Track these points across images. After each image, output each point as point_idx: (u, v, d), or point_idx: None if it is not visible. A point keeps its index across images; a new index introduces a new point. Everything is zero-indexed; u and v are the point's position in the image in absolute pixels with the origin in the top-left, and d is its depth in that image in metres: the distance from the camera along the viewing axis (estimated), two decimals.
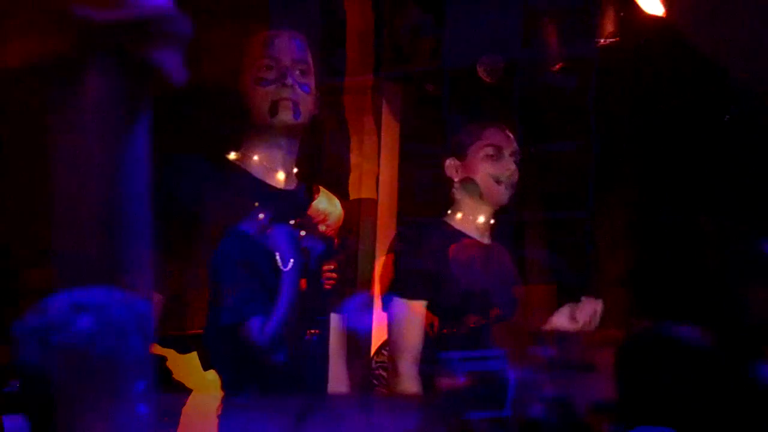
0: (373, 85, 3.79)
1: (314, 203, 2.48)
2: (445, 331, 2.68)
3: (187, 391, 2.20)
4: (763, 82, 3.19)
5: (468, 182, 2.80)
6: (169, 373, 2.20)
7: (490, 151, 2.78)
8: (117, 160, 1.25)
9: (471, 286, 2.71)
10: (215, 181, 2.34)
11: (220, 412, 2.22)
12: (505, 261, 2.87)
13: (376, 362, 3.30)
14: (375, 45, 3.73)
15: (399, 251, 2.80)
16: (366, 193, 3.76)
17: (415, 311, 2.67)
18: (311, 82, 2.41)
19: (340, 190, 3.47)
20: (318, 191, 2.52)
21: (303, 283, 2.35)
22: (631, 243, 3.52)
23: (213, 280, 2.27)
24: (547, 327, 2.75)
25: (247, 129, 2.41)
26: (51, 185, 1.25)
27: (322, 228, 2.48)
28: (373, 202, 3.76)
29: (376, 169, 3.78)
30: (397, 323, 2.71)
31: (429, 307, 2.69)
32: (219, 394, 2.24)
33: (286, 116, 2.35)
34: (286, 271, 2.29)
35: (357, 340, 3.42)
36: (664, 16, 3.29)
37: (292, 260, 2.30)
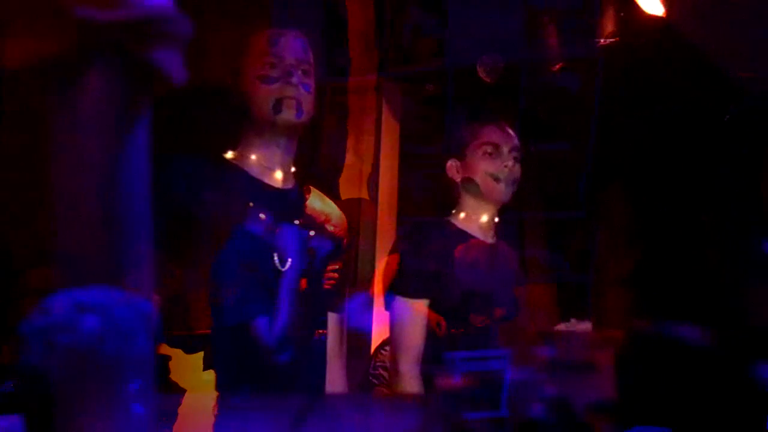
0: (375, 85, 3.79)
1: (308, 203, 2.48)
2: (453, 330, 2.69)
3: (190, 391, 2.21)
4: (763, 82, 3.19)
5: (468, 182, 2.81)
6: (173, 373, 2.20)
7: (488, 149, 2.78)
8: (117, 160, 1.25)
9: (474, 286, 2.71)
10: (213, 181, 2.34)
11: (219, 412, 2.22)
12: (508, 260, 2.87)
13: (376, 362, 3.30)
14: (377, 45, 3.73)
15: (401, 250, 2.80)
16: (366, 193, 3.76)
17: (416, 310, 2.67)
18: (312, 82, 2.42)
19: (332, 190, 3.47)
20: (309, 191, 2.52)
21: (303, 283, 2.35)
22: (631, 243, 3.52)
23: (217, 280, 2.27)
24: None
25: (246, 127, 2.40)
26: (52, 185, 1.25)
27: (330, 228, 2.48)
28: (373, 202, 3.76)
29: (376, 169, 3.79)
30: (399, 322, 2.71)
31: (434, 307, 2.69)
32: (216, 394, 2.24)
33: (289, 115, 2.35)
34: (285, 271, 2.30)
35: (357, 339, 3.42)
36: (664, 16, 3.29)
37: (290, 260, 2.31)
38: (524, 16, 3.56)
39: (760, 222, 3.01)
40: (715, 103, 3.39)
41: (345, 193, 3.73)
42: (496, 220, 2.83)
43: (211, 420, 2.17)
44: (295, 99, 2.34)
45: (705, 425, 1.94)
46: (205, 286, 2.27)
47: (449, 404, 2.48)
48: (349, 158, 3.77)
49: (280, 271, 2.29)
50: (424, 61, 3.80)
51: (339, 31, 3.69)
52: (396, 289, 2.73)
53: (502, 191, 2.78)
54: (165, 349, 2.20)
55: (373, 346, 3.38)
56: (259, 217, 2.30)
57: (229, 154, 2.41)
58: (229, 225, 2.29)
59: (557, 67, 3.67)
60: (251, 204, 2.31)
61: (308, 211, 2.45)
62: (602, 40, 3.53)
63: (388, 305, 2.75)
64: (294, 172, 2.48)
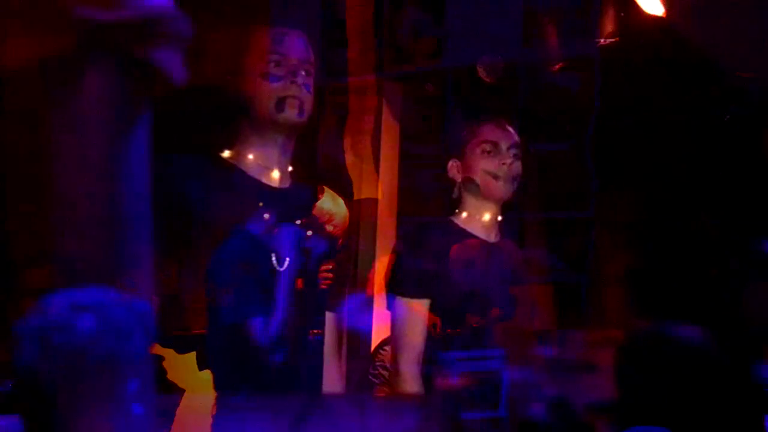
0: (374, 85, 3.79)
1: (319, 203, 2.48)
2: (448, 331, 2.68)
3: (185, 391, 2.20)
4: (763, 81, 3.19)
5: (469, 182, 2.81)
6: (167, 373, 2.20)
7: (486, 147, 2.78)
8: (117, 160, 1.25)
9: (470, 286, 2.71)
10: (210, 180, 2.33)
11: (216, 412, 2.21)
12: (508, 260, 2.86)
13: (376, 361, 3.30)
14: (375, 45, 3.72)
15: (400, 251, 2.80)
16: (366, 193, 3.76)
17: (416, 311, 2.67)
18: (312, 83, 2.42)
19: (344, 190, 3.47)
20: (323, 191, 2.52)
21: (299, 282, 2.34)
22: (631, 243, 3.52)
23: (213, 280, 2.26)
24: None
25: (243, 126, 2.39)
26: (51, 185, 1.24)
27: (329, 228, 2.48)
28: (373, 202, 3.76)
29: (376, 169, 3.78)
30: (399, 323, 2.71)
31: (431, 307, 2.69)
32: (214, 394, 2.24)
33: (291, 114, 2.34)
34: (282, 271, 2.29)
35: (357, 339, 3.42)
36: (664, 16, 3.29)
37: (288, 259, 2.30)
38: (523, 15, 3.56)
39: (760, 222, 3.01)
40: (715, 103, 3.39)
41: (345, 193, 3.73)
42: (499, 218, 2.82)
43: (208, 420, 2.17)
44: (298, 98, 2.34)
45: (704, 425, 1.94)
46: (202, 286, 2.27)
47: (448, 404, 2.48)
48: (349, 158, 3.77)
49: (276, 271, 2.29)
50: (423, 61, 3.79)
51: (338, 31, 3.68)
52: (396, 289, 2.72)
53: (502, 189, 2.78)
54: (158, 349, 2.19)
55: (373, 346, 3.38)
56: (257, 217, 2.30)
57: (226, 153, 2.40)
58: (226, 224, 2.28)
59: (557, 67, 3.67)
60: (249, 204, 2.31)
61: (315, 211, 2.45)
62: (602, 40, 3.52)
63: (389, 305, 2.75)
64: (294, 172, 2.48)
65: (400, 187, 3.84)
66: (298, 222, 2.37)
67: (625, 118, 3.55)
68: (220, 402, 2.22)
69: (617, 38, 3.51)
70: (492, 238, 2.82)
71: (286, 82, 2.34)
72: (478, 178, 2.78)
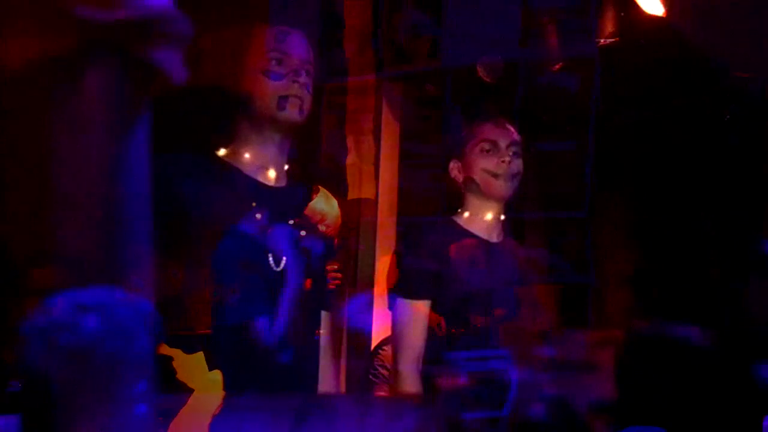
0: (374, 85, 3.79)
1: (312, 203, 2.47)
2: (453, 330, 2.68)
3: (192, 391, 2.20)
4: (763, 81, 3.19)
5: (470, 181, 2.81)
6: (174, 373, 2.20)
7: (485, 146, 2.78)
8: (118, 160, 1.25)
9: (473, 286, 2.71)
10: (206, 179, 2.32)
11: (221, 412, 2.22)
12: (511, 260, 2.86)
13: (377, 361, 3.30)
14: (375, 45, 3.73)
15: (402, 251, 2.81)
16: (366, 193, 3.76)
17: (417, 311, 2.67)
18: (311, 83, 2.41)
19: (339, 190, 3.47)
20: (317, 191, 2.51)
21: (308, 283, 2.34)
22: (631, 243, 3.52)
23: (215, 280, 2.26)
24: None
25: (240, 124, 2.38)
26: (53, 185, 1.25)
27: (321, 228, 2.48)
28: (373, 202, 3.77)
29: (376, 169, 3.79)
30: (400, 323, 2.71)
31: (434, 307, 2.69)
32: (222, 394, 2.24)
33: (292, 113, 2.34)
34: (284, 271, 2.29)
35: (357, 339, 3.42)
36: (664, 16, 3.29)
37: (284, 259, 2.30)
38: (523, 15, 3.57)
39: (760, 222, 3.01)
40: (714, 102, 3.39)
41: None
42: (502, 218, 2.82)
43: (208, 420, 2.17)
44: (299, 98, 2.34)
45: (704, 425, 1.94)
46: (205, 286, 2.27)
47: (450, 404, 2.48)
48: (349, 158, 3.78)
49: (277, 271, 2.29)
50: (422, 61, 3.80)
51: (338, 32, 3.69)
52: (397, 289, 2.73)
53: (501, 187, 2.78)
54: (165, 350, 2.20)
55: (373, 346, 3.38)
56: (254, 217, 2.30)
57: (222, 152, 2.39)
58: (224, 224, 2.28)
59: (556, 66, 3.67)
60: (246, 203, 2.30)
61: (307, 211, 2.44)
62: (602, 40, 3.53)
63: (391, 305, 2.75)
64: (292, 172, 2.47)
65: (400, 187, 3.85)
66: (291, 222, 2.36)
67: (624, 117, 3.55)
68: (228, 402, 2.21)
69: (617, 38, 3.51)
70: (494, 237, 2.81)
71: (288, 81, 2.34)
72: (478, 177, 2.78)
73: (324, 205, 2.53)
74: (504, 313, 2.73)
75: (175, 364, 2.19)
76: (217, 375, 2.21)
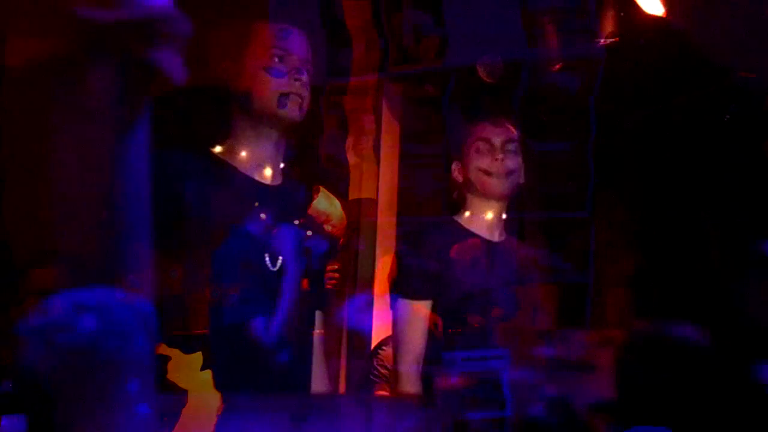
0: (375, 85, 3.79)
1: (314, 203, 2.47)
2: (450, 330, 2.69)
3: (191, 392, 2.20)
4: (764, 81, 3.19)
5: (468, 181, 2.81)
6: (171, 373, 2.20)
7: (480, 145, 2.79)
8: (118, 160, 1.25)
9: (471, 285, 2.71)
10: (201, 178, 2.30)
11: (221, 412, 2.21)
12: (512, 259, 2.86)
13: (377, 360, 3.30)
14: (382, 45, 3.73)
15: (403, 251, 2.81)
16: (366, 193, 3.76)
17: (416, 311, 2.68)
18: (309, 83, 2.41)
19: (339, 190, 3.47)
20: (318, 191, 2.51)
21: (305, 283, 2.34)
22: (631, 243, 3.52)
23: (213, 279, 2.26)
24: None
25: (237, 120, 2.36)
26: (53, 184, 1.25)
27: (327, 228, 2.48)
28: (373, 202, 3.76)
29: (376, 169, 3.79)
30: (400, 323, 2.71)
31: (433, 307, 2.69)
32: (219, 393, 2.24)
33: (293, 111, 2.34)
34: (281, 271, 2.29)
35: (357, 339, 3.42)
36: (664, 16, 3.29)
37: (281, 259, 2.29)
38: (524, 15, 3.56)
39: (761, 222, 3.01)
40: (714, 102, 3.39)
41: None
42: (504, 216, 2.82)
43: (210, 420, 2.17)
44: (300, 96, 2.34)
45: (705, 425, 1.94)
46: (203, 286, 2.26)
47: (450, 404, 2.48)
48: (350, 158, 3.77)
49: (273, 271, 2.28)
50: (424, 61, 3.79)
51: (339, 31, 3.69)
52: (397, 289, 2.73)
53: (496, 185, 2.78)
54: (164, 350, 2.19)
55: (373, 346, 3.38)
56: (252, 216, 2.29)
57: (217, 149, 2.37)
58: (219, 223, 2.27)
59: (557, 67, 3.67)
60: (241, 201, 2.29)
61: (310, 211, 2.44)
62: (602, 40, 3.53)
63: (392, 305, 2.75)
64: (287, 170, 2.46)
65: (400, 187, 3.84)
66: (296, 222, 2.36)
67: (624, 117, 3.55)
68: (227, 402, 2.21)
69: (618, 38, 3.51)
70: (496, 237, 2.81)
71: (289, 79, 2.33)
72: (473, 176, 2.78)
73: (326, 205, 2.54)
74: (502, 312, 2.73)
75: (173, 364, 2.18)
76: (207, 374, 2.21)
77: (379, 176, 3.79)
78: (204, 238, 2.25)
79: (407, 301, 2.69)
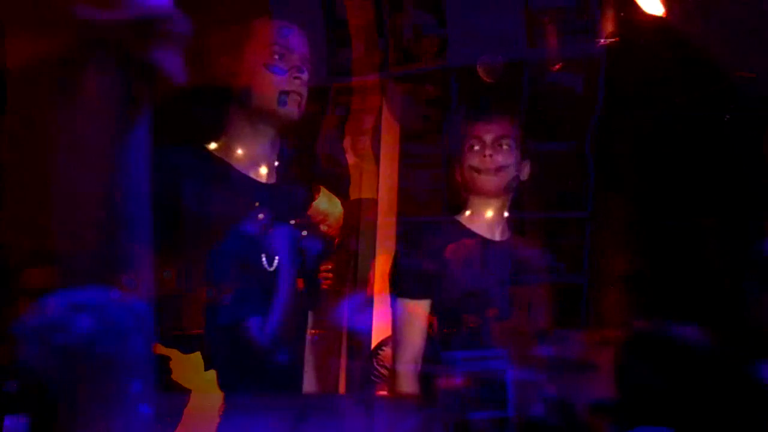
0: (375, 85, 3.79)
1: (315, 203, 2.47)
2: (445, 330, 2.69)
3: (189, 391, 2.20)
4: (763, 81, 3.19)
5: (464, 181, 2.81)
6: (171, 373, 2.19)
7: (472, 144, 2.80)
8: (117, 160, 1.25)
9: (467, 285, 2.71)
10: (197, 176, 2.29)
11: (221, 412, 2.21)
12: (512, 258, 2.86)
13: (377, 360, 3.30)
14: (382, 45, 3.72)
15: (400, 251, 2.81)
16: (366, 193, 3.76)
17: (415, 311, 2.67)
18: (307, 82, 2.41)
19: (341, 190, 3.47)
20: (319, 191, 2.51)
21: (300, 282, 2.34)
22: (630, 243, 3.52)
23: (209, 279, 2.25)
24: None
25: (234, 117, 2.35)
26: (52, 184, 1.25)
27: (323, 228, 2.47)
28: (373, 202, 3.76)
29: (376, 169, 3.78)
30: (399, 323, 2.71)
31: (431, 307, 2.69)
32: (220, 394, 2.23)
33: (292, 109, 2.33)
34: (277, 270, 2.28)
35: (356, 339, 3.41)
36: (664, 16, 3.29)
37: (278, 259, 2.29)
38: (525, 15, 3.56)
39: (760, 222, 3.01)
40: (715, 102, 3.39)
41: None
42: (506, 215, 2.82)
43: (209, 420, 2.17)
44: (299, 95, 2.33)
45: (706, 425, 1.94)
46: (199, 285, 2.26)
47: (449, 404, 2.48)
48: (350, 158, 3.77)
49: (270, 271, 2.28)
50: (425, 61, 3.79)
51: (339, 31, 3.68)
52: (395, 289, 2.73)
53: (485, 181, 2.77)
54: (162, 350, 2.19)
55: (373, 346, 3.38)
56: (248, 215, 2.28)
57: (213, 146, 2.36)
58: (218, 221, 2.26)
59: (557, 66, 3.67)
60: (237, 200, 2.29)
61: (310, 211, 2.44)
62: (602, 40, 3.52)
63: (391, 305, 2.75)
64: (281, 169, 2.46)
65: (400, 187, 3.84)
66: (292, 222, 2.35)
67: (625, 117, 3.55)
68: (226, 402, 2.21)
69: (618, 38, 3.51)
70: (497, 236, 2.81)
71: (289, 77, 2.33)
72: (466, 175, 2.79)
73: (327, 205, 2.53)
74: (496, 312, 2.73)
75: (171, 364, 2.18)
76: (211, 375, 2.21)
77: (379, 176, 3.79)
78: (199, 236, 2.24)
79: (405, 301, 2.68)
